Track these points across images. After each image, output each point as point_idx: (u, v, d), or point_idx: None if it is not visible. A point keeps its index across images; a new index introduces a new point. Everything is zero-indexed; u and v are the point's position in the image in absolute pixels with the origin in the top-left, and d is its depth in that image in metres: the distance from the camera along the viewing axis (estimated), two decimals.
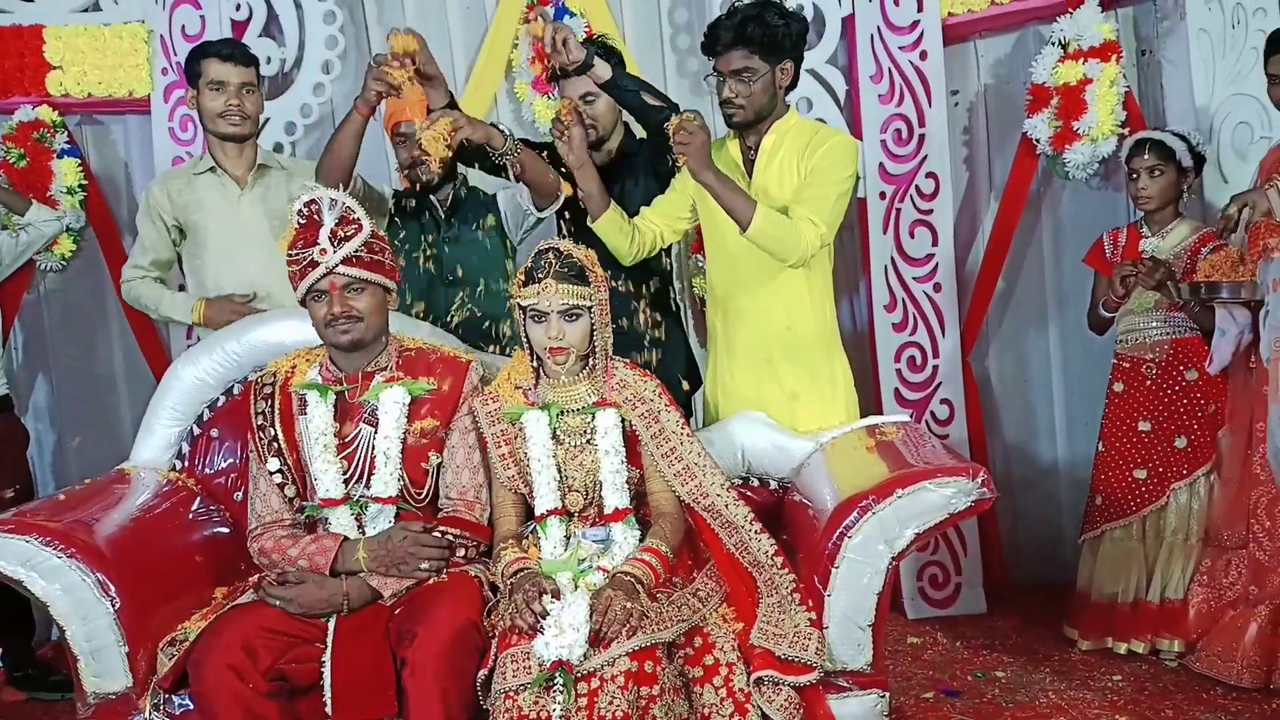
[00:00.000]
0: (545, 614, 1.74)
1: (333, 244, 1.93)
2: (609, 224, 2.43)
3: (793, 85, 2.39)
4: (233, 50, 2.70)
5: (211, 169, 2.77)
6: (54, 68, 3.39)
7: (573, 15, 3.38)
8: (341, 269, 1.94)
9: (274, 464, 2.03)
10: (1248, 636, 2.61)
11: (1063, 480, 3.54)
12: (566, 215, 2.58)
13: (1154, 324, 2.90)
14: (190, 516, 2.23)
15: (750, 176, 2.39)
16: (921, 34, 3.19)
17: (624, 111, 2.64)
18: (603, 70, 2.36)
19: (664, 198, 2.54)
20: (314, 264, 1.94)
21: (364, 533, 1.99)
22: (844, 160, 2.34)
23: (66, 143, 3.42)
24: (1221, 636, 2.68)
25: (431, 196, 2.60)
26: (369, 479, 2.00)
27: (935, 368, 3.28)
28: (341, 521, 2.00)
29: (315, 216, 1.96)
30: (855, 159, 2.39)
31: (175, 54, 3.37)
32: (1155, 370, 2.89)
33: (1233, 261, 2.62)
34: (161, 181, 2.83)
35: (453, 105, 2.47)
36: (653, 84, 2.48)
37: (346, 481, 2.01)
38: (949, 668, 2.86)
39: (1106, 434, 2.98)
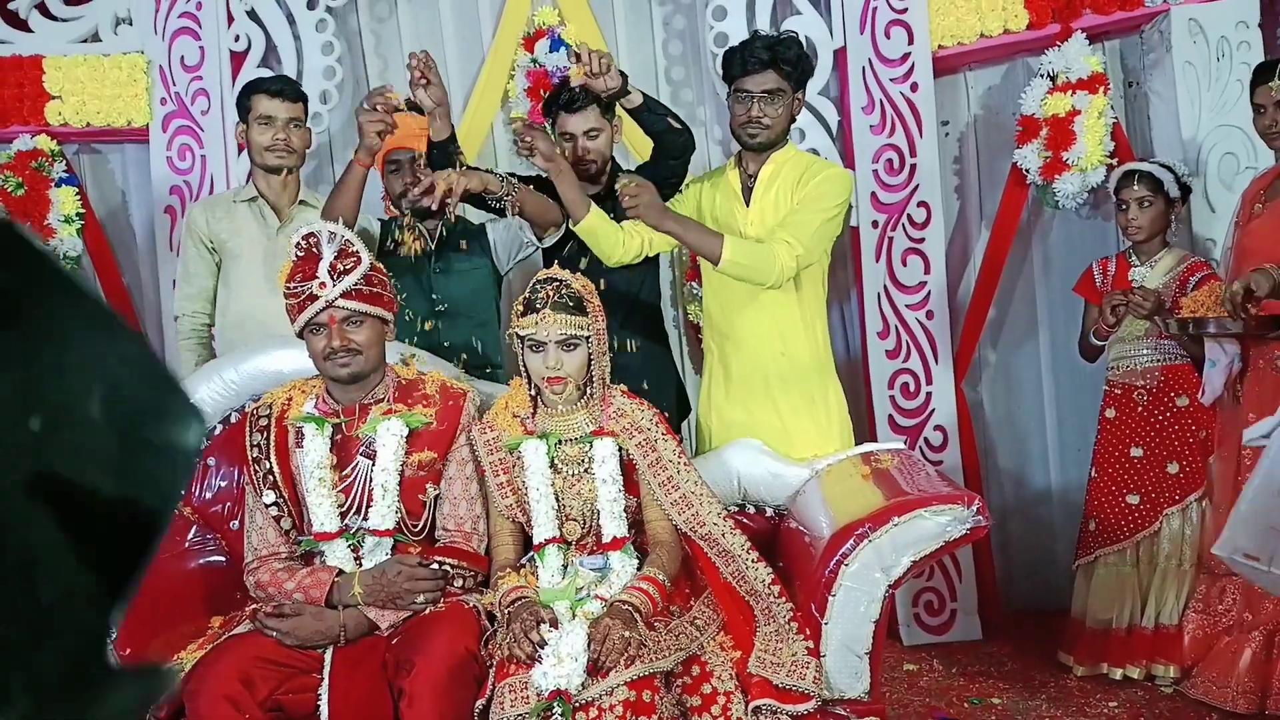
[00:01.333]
0: (543, 643, 1.74)
1: (332, 277, 1.94)
2: (592, 226, 2.38)
3: (793, 120, 2.47)
4: (282, 86, 2.73)
5: (253, 199, 2.80)
6: (53, 97, 3.40)
7: (568, 46, 3.42)
8: (341, 302, 1.94)
9: (270, 497, 2.02)
10: (1242, 662, 2.62)
11: (1056, 506, 3.56)
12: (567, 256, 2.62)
13: (1144, 351, 2.93)
14: (186, 545, 2.23)
15: (748, 204, 2.44)
16: (912, 66, 3.24)
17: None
18: (635, 96, 2.40)
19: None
20: (313, 297, 1.94)
21: (361, 565, 1.98)
22: (835, 190, 2.39)
23: (65, 171, 3.43)
24: (1216, 662, 2.69)
25: (420, 226, 2.62)
26: (366, 511, 2.00)
27: (928, 395, 3.30)
28: (337, 555, 1.99)
29: (314, 249, 1.96)
30: (848, 190, 2.44)
31: (174, 84, 3.40)
32: (1146, 397, 2.91)
33: (1217, 296, 2.65)
34: (201, 205, 2.86)
35: (453, 137, 2.50)
36: (671, 109, 2.52)
37: (344, 514, 2.01)
38: (945, 695, 2.86)
39: (1099, 460, 3.00)
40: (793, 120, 2.45)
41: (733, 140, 2.53)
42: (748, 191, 2.45)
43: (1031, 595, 3.48)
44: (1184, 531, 2.86)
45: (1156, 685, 2.81)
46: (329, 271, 1.94)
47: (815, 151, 3.26)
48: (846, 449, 2.43)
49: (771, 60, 2.33)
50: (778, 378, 2.44)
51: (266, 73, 3.35)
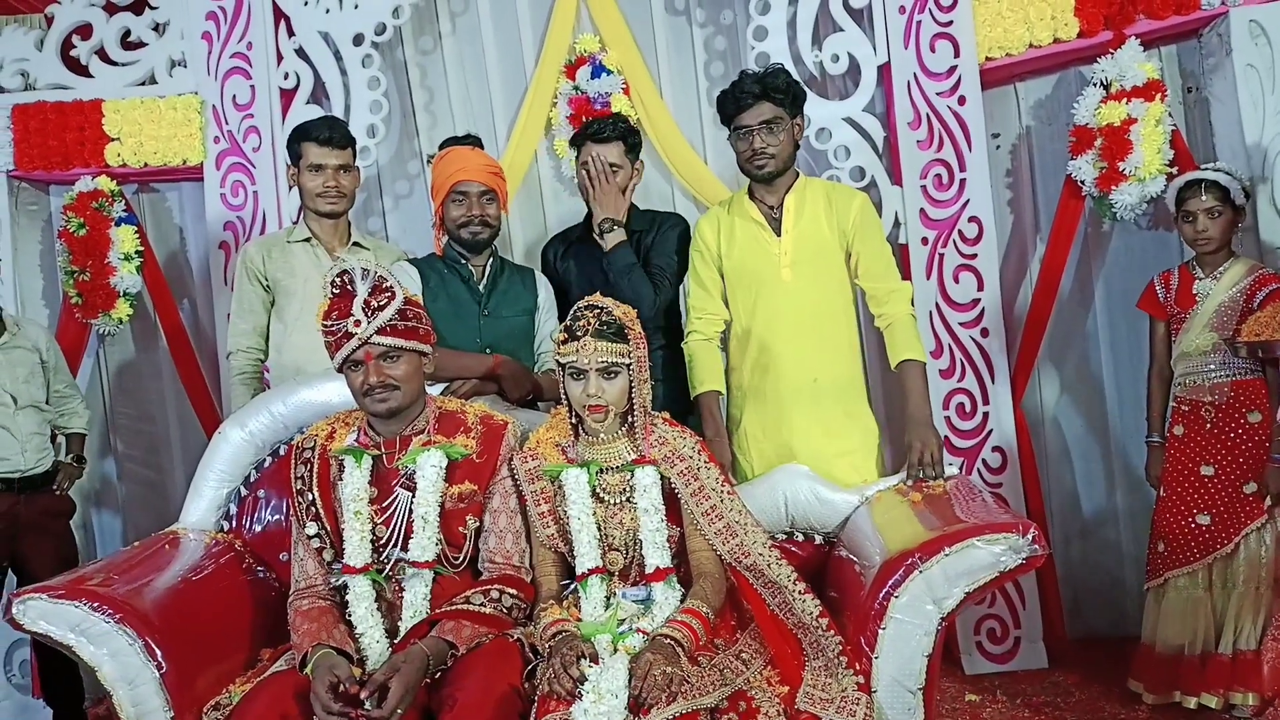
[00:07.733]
0: (584, 679, 1.71)
1: (366, 314, 1.94)
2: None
3: (797, 146, 2.55)
4: (330, 134, 2.77)
5: (307, 239, 2.85)
6: (112, 139, 3.51)
7: (610, 73, 3.42)
8: (376, 339, 1.94)
9: (312, 528, 2.03)
10: None
11: (1123, 528, 3.43)
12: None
13: (1212, 366, 2.81)
14: (237, 578, 2.26)
15: (779, 234, 2.51)
16: (959, 79, 3.18)
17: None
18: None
19: (701, 293, 2.59)
20: (348, 335, 1.94)
21: (382, 604, 1.98)
22: (874, 214, 2.56)
23: (124, 211, 3.53)
24: None
25: (470, 265, 2.61)
26: (405, 543, 1.99)
27: (985, 415, 3.21)
28: (359, 590, 1.97)
29: (348, 287, 1.96)
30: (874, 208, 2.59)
31: (226, 123, 3.49)
32: (1214, 413, 2.79)
33: None
34: (257, 244, 2.90)
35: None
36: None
37: (384, 546, 2.00)
38: None
39: (1167, 479, 2.88)
40: (796, 146, 2.52)
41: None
42: (774, 222, 2.52)
43: (1098, 621, 3.35)
44: (1260, 553, 2.73)
45: (1235, 716, 2.68)
46: (363, 308, 1.94)
47: (861, 170, 3.22)
48: (883, 473, 2.42)
49: (763, 92, 2.44)
50: (811, 400, 2.47)
51: (316, 109, 3.41)
